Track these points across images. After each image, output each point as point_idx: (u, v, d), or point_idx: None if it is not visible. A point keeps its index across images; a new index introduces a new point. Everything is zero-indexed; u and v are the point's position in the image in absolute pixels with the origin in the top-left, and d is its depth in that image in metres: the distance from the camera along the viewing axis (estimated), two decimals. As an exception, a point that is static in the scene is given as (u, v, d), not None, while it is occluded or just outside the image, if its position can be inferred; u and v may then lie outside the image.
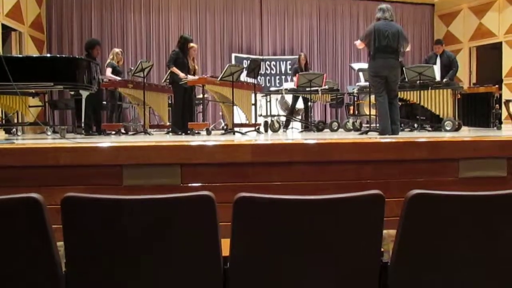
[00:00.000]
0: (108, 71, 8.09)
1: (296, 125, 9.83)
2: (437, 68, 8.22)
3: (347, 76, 13.52)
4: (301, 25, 13.27)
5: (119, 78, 8.19)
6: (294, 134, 8.09)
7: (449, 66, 8.46)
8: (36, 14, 10.97)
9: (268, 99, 9.15)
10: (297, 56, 9.97)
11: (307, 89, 8.50)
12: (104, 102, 8.31)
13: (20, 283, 1.65)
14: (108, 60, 8.42)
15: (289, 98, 9.31)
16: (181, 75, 7.18)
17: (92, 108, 7.55)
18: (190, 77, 7.43)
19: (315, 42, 13.41)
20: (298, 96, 9.15)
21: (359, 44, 5.99)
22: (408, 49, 6.09)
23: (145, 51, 12.21)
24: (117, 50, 8.69)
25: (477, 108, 8.22)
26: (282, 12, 13.14)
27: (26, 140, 5.62)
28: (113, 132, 7.81)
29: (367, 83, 7.78)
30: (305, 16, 13.27)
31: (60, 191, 2.97)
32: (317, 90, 8.55)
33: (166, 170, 3.21)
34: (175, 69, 7.18)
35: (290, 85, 9.37)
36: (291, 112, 9.26)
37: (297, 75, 8.73)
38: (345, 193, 1.62)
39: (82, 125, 6.65)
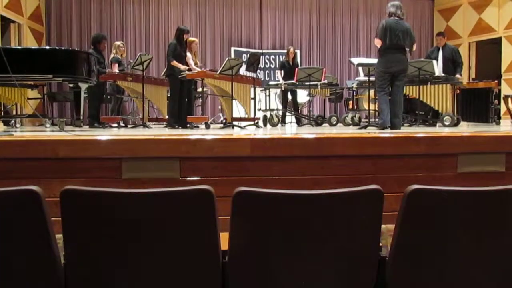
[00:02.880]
0: (115, 67, 8.06)
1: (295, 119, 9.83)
2: (439, 61, 8.18)
3: (346, 70, 13.50)
4: (300, 19, 13.24)
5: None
6: (293, 128, 8.09)
7: (452, 59, 8.30)
8: (35, 6, 10.93)
9: (267, 93, 9.14)
10: (297, 51, 9.95)
11: (306, 83, 8.50)
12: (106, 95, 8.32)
13: (20, 275, 1.65)
14: (112, 55, 8.38)
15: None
16: (182, 67, 7.16)
17: (98, 101, 7.58)
18: (196, 68, 7.43)
19: (314, 36, 13.38)
20: (295, 91, 9.17)
21: (377, 42, 6.02)
22: (414, 48, 6.12)
23: (145, 44, 12.18)
24: (118, 43, 8.65)
25: (476, 103, 8.21)
26: (281, 6, 13.10)
27: (25, 132, 5.62)
28: (115, 125, 7.83)
29: (366, 78, 7.77)
30: (305, 10, 13.23)
31: (59, 184, 2.98)
32: (316, 85, 8.54)
33: (165, 163, 3.21)
34: (175, 63, 7.16)
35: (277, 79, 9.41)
36: (285, 106, 9.26)
37: (296, 69, 8.72)
38: (343, 188, 1.63)
39: (81, 117, 6.64)
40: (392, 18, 5.94)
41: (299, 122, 9.36)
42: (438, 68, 7.92)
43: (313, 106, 11.45)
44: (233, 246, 1.65)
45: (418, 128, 7.03)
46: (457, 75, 7.89)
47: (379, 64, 6.01)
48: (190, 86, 7.59)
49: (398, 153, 3.44)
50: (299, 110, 9.74)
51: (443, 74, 7.77)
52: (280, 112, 9.19)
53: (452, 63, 8.25)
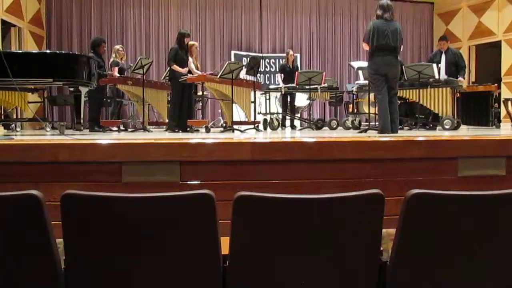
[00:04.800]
0: (115, 70, 8.08)
1: (296, 122, 9.83)
2: (442, 65, 8.17)
3: (346, 74, 13.52)
4: (300, 23, 13.27)
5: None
6: (293, 132, 8.09)
7: (455, 63, 8.25)
8: (35, 10, 10.95)
9: (268, 97, 9.14)
10: (297, 54, 9.96)
11: (306, 87, 8.51)
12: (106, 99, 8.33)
13: (20, 280, 1.65)
14: (112, 59, 8.40)
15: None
16: (182, 70, 7.17)
17: (98, 104, 7.59)
18: (197, 72, 7.45)
19: (314, 40, 13.40)
20: (294, 94, 9.18)
21: (364, 45, 5.98)
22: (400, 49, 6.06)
23: (145, 47, 12.21)
24: (117, 47, 8.68)
25: (476, 107, 8.22)
26: (281, 9, 13.12)
27: (25, 136, 5.61)
28: (115, 129, 7.85)
29: (367, 81, 7.77)
30: (305, 13, 13.26)
31: (59, 187, 2.98)
32: (316, 88, 8.55)
33: (165, 167, 3.20)
34: (176, 67, 7.17)
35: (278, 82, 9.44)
36: (285, 109, 9.27)
37: (297, 73, 8.72)
38: (344, 192, 1.62)
39: (81, 121, 6.65)
40: (379, 20, 5.86)
41: (294, 127, 9.35)
42: (441, 72, 7.91)
43: (313, 110, 11.46)
44: (234, 250, 1.65)
45: (418, 131, 7.03)
46: (460, 78, 7.87)
47: (369, 67, 5.93)
48: (190, 89, 7.61)
49: (398, 157, 3.43)
50: (299, 114, 9.74)
51: (446, 77, 7.74)
52: (281, 116, 9.19)
53: (455, 67, 8.23)
